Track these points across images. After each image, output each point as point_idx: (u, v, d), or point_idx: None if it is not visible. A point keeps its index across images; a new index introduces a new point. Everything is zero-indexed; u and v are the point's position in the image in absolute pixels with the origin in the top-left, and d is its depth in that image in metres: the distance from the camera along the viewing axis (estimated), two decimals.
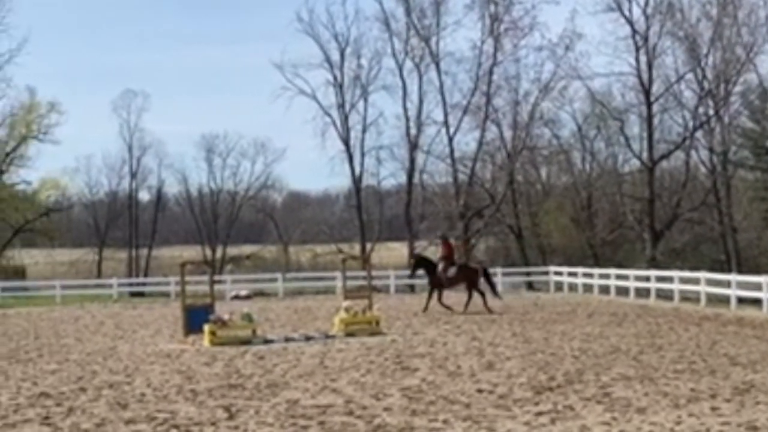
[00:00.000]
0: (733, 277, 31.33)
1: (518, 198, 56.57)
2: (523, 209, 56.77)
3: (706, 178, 53.89)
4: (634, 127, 54.93)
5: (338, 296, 34.53)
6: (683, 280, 33.96)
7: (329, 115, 58.95)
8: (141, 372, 16.62)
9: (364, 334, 22.32)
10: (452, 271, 29.90)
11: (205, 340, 21.16)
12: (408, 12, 56.71)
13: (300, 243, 70.68)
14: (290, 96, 58.93)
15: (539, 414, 11.68)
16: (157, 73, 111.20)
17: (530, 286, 47.30)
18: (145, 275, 63.27)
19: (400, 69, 57.45)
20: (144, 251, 68.65)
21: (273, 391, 14.06)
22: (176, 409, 12.68)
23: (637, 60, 51.82)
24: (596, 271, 40.58)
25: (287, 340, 21.62)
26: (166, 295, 44.08)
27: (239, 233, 73.64)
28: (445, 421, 11.33)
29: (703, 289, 31.97)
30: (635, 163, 55.49)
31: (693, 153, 53.69)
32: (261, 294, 44.41)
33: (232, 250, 71.10)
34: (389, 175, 61.74)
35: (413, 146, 57.24)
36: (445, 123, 56.57)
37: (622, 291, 36.95)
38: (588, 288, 39.84)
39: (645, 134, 53.12)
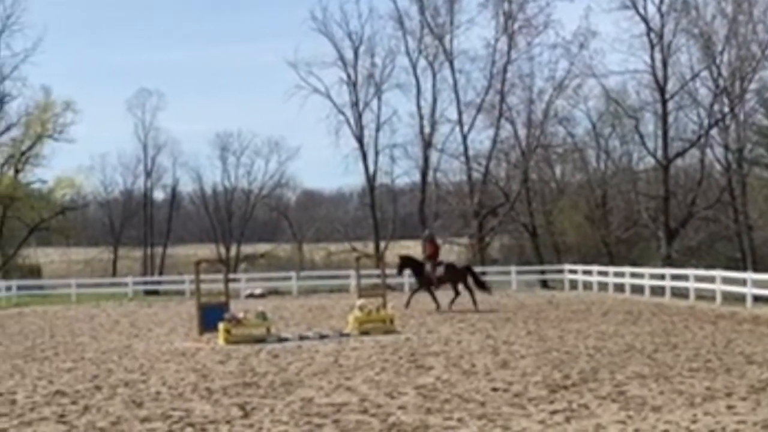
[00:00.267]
0: (749, 275, 31.18)
1: (533, 196, 56.47)
2: (537, 207, 56.67)
3: (721, 175, 53.68)
4: (649, 125, 54.85)
5: (352, 295, 34.61)
6: (698, 279, 33.85)
7: (343, 113, 59.07)
8: (156, 370, 16.65)
9: (379, 332, 22.32)
10: (440, 270, 30.17)
11: (220, 338, 21.20)
12: (422, 10, 56.76)
13: (314, 241, 70.80)
14: (304, 94, 59.10)
15: (554, 412, 11.65)
16: (172, 72, 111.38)
17: (545, 284, 47.27)
18: (160, 274, 63.48)
19: (414, 67, 57.56)
20: (159, 250, 68.87)
21: (287, 389, 14.06)
22: (191, 407, 12.70)
23: (652, 57, 51.68)
24: (611, 269, 40.49)
25: (301, 338, 21.64)
26: (181, 293, 44.21)
27: (253, 232, 73.78)
28: (459, 420, 11.31)
29: (718, 287, 31.84)
30: (650, 161, 55.37)
31: (708, 151, 53.50)
32: (275, 292, 44.51)
33: (247, 249, 71.26)
34: (403, 174, 61.86)
35: (427, 144, 57.24)
36: (459, 121, 56.60)
37: (637, 289, 36.84)
38: (603, 286, 39.76)
39: (660, 132, 52.97)
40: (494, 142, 56.48)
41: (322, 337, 21.86)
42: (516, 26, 55.32)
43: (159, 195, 73.15)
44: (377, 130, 59.11)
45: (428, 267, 30.23)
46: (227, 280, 25.42)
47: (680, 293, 34.67)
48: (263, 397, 13.41)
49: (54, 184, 62.30)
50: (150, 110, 67.92)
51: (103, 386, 14.80)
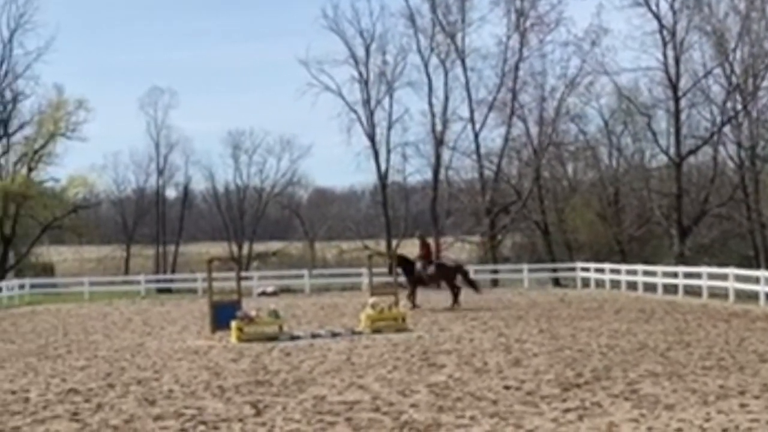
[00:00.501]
0: (762, 273, 31.04)
1: (544, 194, 56.30)
2: (549, 205, 56.51)
3: (734, 173, 53.41)
4: (662, 123, 54.57)
5: (364, 293, 34.58)
6: (711, 276, 33.74)
7: (355, 111, 59.06)
8: (169, 368, 16.70)
9: (391, 330, 22.32)
10: (431, 269, 30.29)
11: (232, 336, 21.24)
12: (433, 8, 56.67)
13: (326, 239, 70.86)
14: (316, 92, 59.10)
15: (567, 411, 11.64)
16: (184, 70, 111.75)
17: (557, 282, 47.19)
18: (173, 272, 63.57)
19: (426, 65, 57.48)
20: (171, 248, 68.99)
21: (300, 387, 14.08)
22: (204, 405, 12.73)
23: (665, 55, 51.45)
24: (623, 267, 40.39)
25: (314, 336, 21.66)
26: (194, 291, 44.30)
27: (265, 230, 73.89)
28: (472, 418, 11.31)
29: (731, 285, 31.73)
30: (662, 158, 55.13)
31: (721, 148, 53.22)
32: (287, 290, 44.53)
33: (259, 247, 71.35)
34: (415, 172, 61.87)
35: (439, 142, 57.19)
36: (471, 119, 56.52)
37: (650, 287, 36.75)
38: (615, 284, 39.68)
39: (672, 129, 52.72)
40: (506, 139, 56.40)
41: (335, 335, 21.88)
42: (528, 24, 55.25)
43: (171, 193, 73.39)
44: (389, 128, 59.13)
45: (419, 266, 30.33)
46: (239, 278, 25.50)
47: (693, 291, 34.56)
48: (276, 395, 13.43)
49: (67, 182, 62.48)
50: (162, 108, 68.12)
51: (116, 384, 14.85)
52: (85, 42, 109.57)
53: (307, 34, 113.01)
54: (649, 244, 56.08)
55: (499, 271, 49.52)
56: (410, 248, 62.90)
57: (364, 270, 39.69)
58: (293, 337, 21.35)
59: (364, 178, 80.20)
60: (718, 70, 51.71)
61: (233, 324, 21.36)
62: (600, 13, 66.57)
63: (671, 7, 51.23)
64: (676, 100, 51.57)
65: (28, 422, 11.83)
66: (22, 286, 42.89)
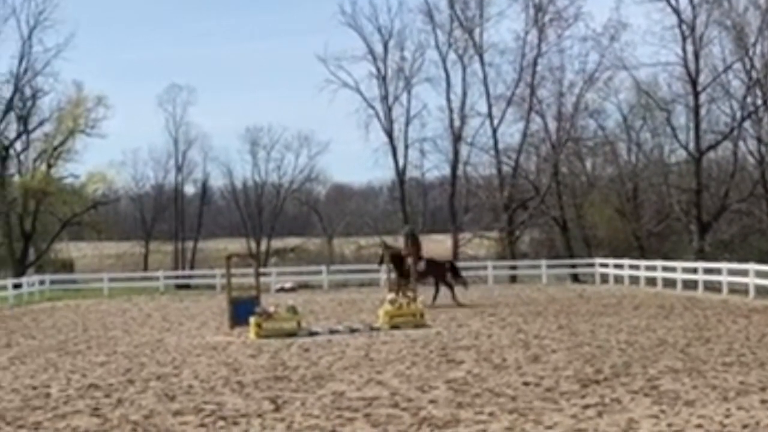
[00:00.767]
0: None
1: (563, 189, 56.15)
2: (567, 201, 56.35)
3: (754, 168, 53.12)
4: (681, 118, 54.35)
5: (382, 288, 34.59)
6: (731, 272, 33.56)
7: (373, 107, 59.07)
8: (188, 364, 16.75)
9: (409, 326, 22.31)
10: (421, 265, 30.19)
11: (251, 332, 21.29)
12: (451, 3, 56.62)
13: (344, 235, 70.86)
14: (334, 89, 59.13)
15: (586, 407, 11.60)
16: (202, 67, 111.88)
17: (575, 278, 47.04)
18: (191, 268, 63.77)
19: (444, 61, 57.45)
20: (190, 244, 69.20)
21: (318, 383, 14.10)
22: (223, 400, 12.76)
23: (684, 50, 51.22)
24: (643, 263, 40.24)
25: (332, 332, 21.69)
26: (212, 287, 44.40)
27: (283, 226, 73.97)
28: (491, 414, 11.29)
29: (751, 281, 31.56)
30: (682, 153, 54.89)
31: (741, 143, 52.97)
32: (305, 286, 44.57)
33: (277, 243, 71.45)
34: (433, 167, 61.81)
35: (457, 138, 57.13)
36: (489, 114, 56.45)
37: (669, 283, 36.60)
38: (634, 280, 39.53)
39: (692, 125, 52.50)
40: (524, 135, 56.27)
41: (353, 331, 21.89)
42: (546, 19, 55.12)
43: (190, 189, 73.63)
44: (407, 123, 59.12)
45: (409, 261, 30.33)
46: (258, 275, 25.52)
47: (713, 287, 34.39)
48: (294, 390, 13.45)
49: (86, 178, 62.74)
50: (181, 105, 68.37)
51: (135, 380, 14.91)
52: (104, 39, 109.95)
53: (325, 31, 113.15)
54: (668, 240, 55.86)
55: (518, 267, 49.42)
56: (428, 244, 63.09)
57: (382, 266, 39.60)
58: (312, 333, 21.39)
59: (382, 174, 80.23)
60: (738, 65, 51.50)
61: (252, 320, 21.40)
62: (619, 7, 66.13)
63: (690, 1, 51.05)
64: (696, 95, 51.33)
65: (50, 417, 11.89)
66: (42, 282, 43.12)
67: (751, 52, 50.58)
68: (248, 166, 72.51)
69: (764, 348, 17.14)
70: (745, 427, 10.39)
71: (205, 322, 25.79)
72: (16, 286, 39.62)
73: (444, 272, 30.64)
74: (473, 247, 60.30)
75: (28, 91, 57.83)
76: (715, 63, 52.08)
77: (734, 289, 33.33)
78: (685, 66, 51.36)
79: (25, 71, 57.02)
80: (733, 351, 16.70)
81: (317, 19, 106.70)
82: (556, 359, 16.02)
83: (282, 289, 41.84)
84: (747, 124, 51.69)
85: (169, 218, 69.78)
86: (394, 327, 22.18)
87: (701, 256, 46.27)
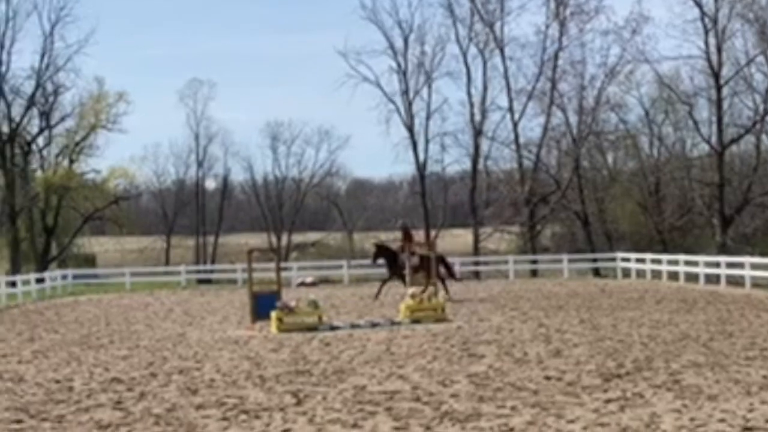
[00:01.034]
0: None
1: (584, 184, 55.97)
2: (589, 195, 56.17)
3: None
4: (703, 111, 54.08)
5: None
6: (754, 266, 33.37)
7: (393, 102, 59.05)
8: (210, 358, 16.81)
9: (430, 320, 22.31)
10: (414, 260, 30.17)
11: (272, 326, 21.33)
12: None
13: (364, 230, 70.92)
14: (354, 83, 59.14)
15: (608, 401, 11.56)
16: (223, 62, 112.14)
17: (597, 272, 46.91)
18: (213, 262, 64.01)
19: (464, 55, 57.36)
20: (211, 239, 69.45)
21: (340, 377, 14.11)
22: (245, 394, 12.79)
23: (706, 43, 50.95)
24: (665, 257, 40.07)
25: (353, 326, 21.70)
26: (233, 282, 44.55)
27: (304, 221, 74.15)
28: (512, 408, 11.27)
29: None
30: (704, 147, 54.62)
31: (764, 137, 52.74)
32: (326, 281, 44.66)
33: (297, 238, 71.58)
34: (453, 162, 61.73)
35: (477, 132, 57.02)
36: (510, 109, 56.32)
37: (692, 277, 36.44)
38: (656, 274, 39.39)
39: (714, 118, 52.24)
40: (545, 129, 56.13)
41: (374, 325, 21.91)
42: (567, 12, 54.96)
43: (210, 184, 73.89)
44: (427, 118, 59.06)
45: (402, 257, 30.36)
46: (279, 269, 25.57)
47: (735, 281, 34.22)
48: (316, 384, 13.47)
49: (107, 174, 63.06)
50: (201, 100, 68.65)
51: (158, 373, 14.97)
52: (125, 34, 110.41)
53: (345, 25, 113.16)
54: (690, 234, 55.60)
55: (539, 261, 49.32)
56: (449, 239, 63.10)
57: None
58: (333, 328, 21.41)
59: (403, 168, 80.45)
60: (760, 58, 51.16)
61: (273, 314, 21.45)
62: (640, 0, 65.96)
63: None
64: (718, 88, 51.04)
65: (73, 410, 11.96)
66: (64, 277, 43.38)
67: None
68: (269, 161, 72.86)
69: None
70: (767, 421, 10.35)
71: (226, 317, 25.88)
72: (39, 281, 39.89)
73: (436, 267, 30.56)
74: (494, 241, 60.21)
75: (49, 87, 58.13)
76: (738, 56, 51.84)
77: (757, 284, 33.14)
78: (708, 59, 51.08)
79: (47, 67, 57.32)
80: (756, 345, 16.60)
81: (338, 13, 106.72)
82: (578, 353, 15.97)
83: (303, 284, 41.94)
84: None
85: (190, 213, 70.05)
86: (415, 321, 22.18)
87: (724, 250, 46.06)
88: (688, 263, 37.32)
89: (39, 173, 59.62)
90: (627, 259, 42.99)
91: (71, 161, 59.36)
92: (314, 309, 22.02)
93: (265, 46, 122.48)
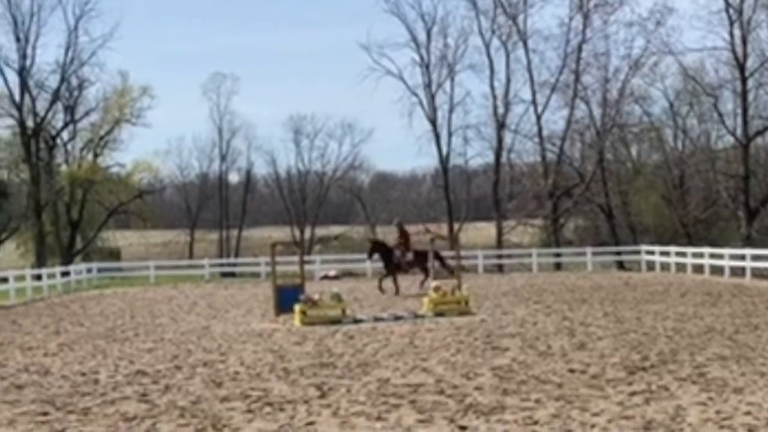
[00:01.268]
0: None
1: (608, 176, 55.77)
2: (613, 188, 55.96)
3: None
4: (728, 103, 53.77)
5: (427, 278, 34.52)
6: None
7: (416, 95, 59.04)
8: (234, 351, 16.86)
9: (454, 313, 22.29)
10: (409, 256, 30.62)
11: (296, 319, 21.37)
12: None
13: (387, 224, 70.86)
14: (377, 77, 59.28)
15: (633, 394, 11.52)
16: (246, 56, 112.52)
17: (621, 265, 46.72)
18: (236, 256, 64.22)
19: (487, 47, 57.24)
20: (234, 232, 69.71)
21: (364, 370, 14.12)
22: (269, 387, 12.83)
23: (731, 34, 50.57)
24: (689, 249, 39.84)
25: (376, 319, 21.71)
26: (257, 275, 44.65)
27: (327, 214, 74.25)
28: (537, 401, 11.24)
29: None
30: (729, 139, 54.34)
31: None
32: (349, 274, 44.68)
33: (321, 231, 71.67)
34: (476, 155, 61.70)
35: (501, 125, 56.88)
36: (533, 101, 56.18)
37: (717, 270, 36.23)
38: (681, 267, 39.19)
39: (739, 110, 51.89)
40: (569, 122, 55.95)
41: (397, 318, 21.90)
42: (591, 4, 54.73)
43: (234, 178, 74.18)
44: (450, 111, 59.02)
45: (398, 253, 30.48)
46: (302, 262, 25.63)
47: (761, 274, 34.00)
48: (340, 377, 13.49)
49: (131, 167, 63.50)
50: (225, 94, 68.94)
51: (182, 366, 15.04)
52: (148, 29, 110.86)
53: (368, 18, 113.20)
54: (715, 227, 55.31)
55: (562, 254, 49.17)
56: (472, 232, 63.03)
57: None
58: (356, 321, 21.44)
59: (426, 161, 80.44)
60: None
61: (297, 307, 21.49)
62: None
63: None
64: (743, 80, 50.68)
65: (98, 403, 12.03)
66: (89, 270, 43.63)
67: None
68: (292, 155, 73.23)
69: None
70: None
71: (250, 310, 25.95)
72: (64, 274, 40.15)
73: (430, 260, 30.60)
74: (517, 234, 60.08)
75: (74, 81, 58.52)
76: (763, 47, 51.40)
77: None
78: (733, 51, 50.71)
79: (72, 61, 57.69)
80: None
81: (360, 6, 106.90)
82: (602, 346, 15.92)
83: (326, 277, 42.01)
84: None
85: (214, 207, 70.33)
86: (439, 314, 22.17)
87: (749, 242, 45.77)
88: (713, 256, 37.12)
89: (64, 167, 60.07)
90: (651, 252, 42.80)
91: (96, 155, 59.74)
92: (337, 302, 22.04)
93: (288, 40, 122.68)
